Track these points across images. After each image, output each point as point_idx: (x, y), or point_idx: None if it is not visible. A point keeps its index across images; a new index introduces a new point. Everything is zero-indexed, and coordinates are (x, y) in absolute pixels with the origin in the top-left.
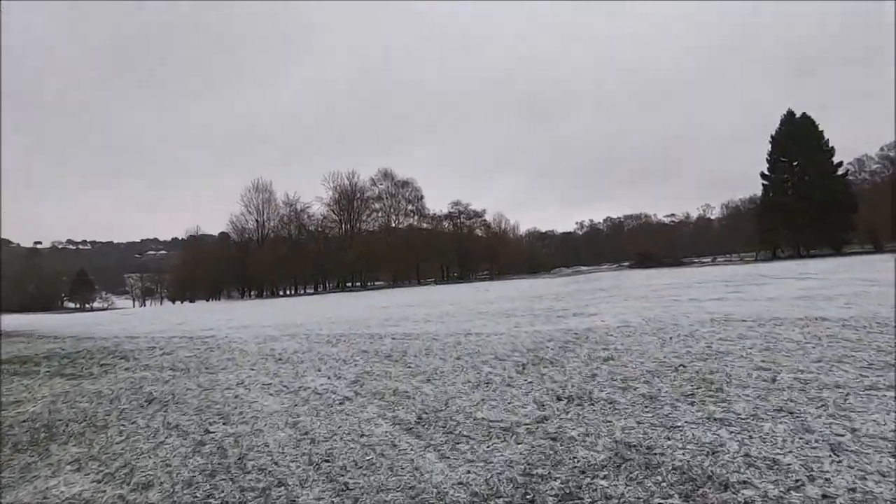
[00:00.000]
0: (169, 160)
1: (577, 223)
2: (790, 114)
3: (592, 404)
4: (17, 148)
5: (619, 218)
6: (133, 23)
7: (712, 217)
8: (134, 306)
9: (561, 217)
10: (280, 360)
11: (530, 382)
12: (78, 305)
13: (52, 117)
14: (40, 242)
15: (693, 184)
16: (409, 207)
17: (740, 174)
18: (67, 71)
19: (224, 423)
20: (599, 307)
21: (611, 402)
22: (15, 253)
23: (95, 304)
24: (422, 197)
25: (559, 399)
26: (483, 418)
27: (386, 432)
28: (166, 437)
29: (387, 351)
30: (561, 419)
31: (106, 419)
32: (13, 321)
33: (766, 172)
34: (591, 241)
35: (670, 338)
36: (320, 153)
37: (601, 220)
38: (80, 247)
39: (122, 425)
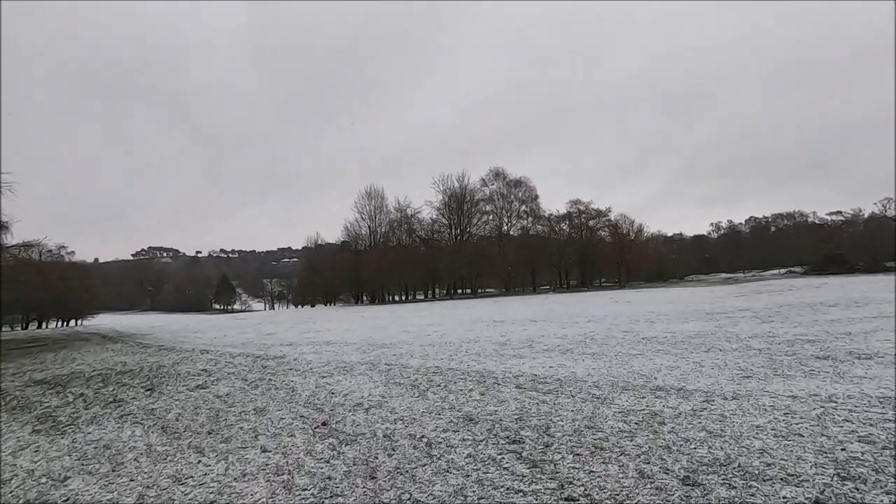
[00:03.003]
0: (308, 177)
1: (711, 224)
2: None
3: None
4: (193, 173)
5: (765, 217)
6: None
7: (893, 214)
8: (265, 309)
9: (690, 219)
10: (324, 425)
11: None
12: (221, 307)
13: (227, 148)
14: (200, 252)
15: (874, 176)
16: (523, 208)
17: None
18: (244, 105)
19: None
20: None
21: None
22: (181, 261)
23: (236, 307)
24: (536, 197)
25: None
26: None
27: None
28: None
29: (510, 423)
30: None
31: None
32: (143, 320)
33: None
34: (729, 244)
35: None
36: (453, 160)
37: (742, 221)
38: (230, 255)
39: None
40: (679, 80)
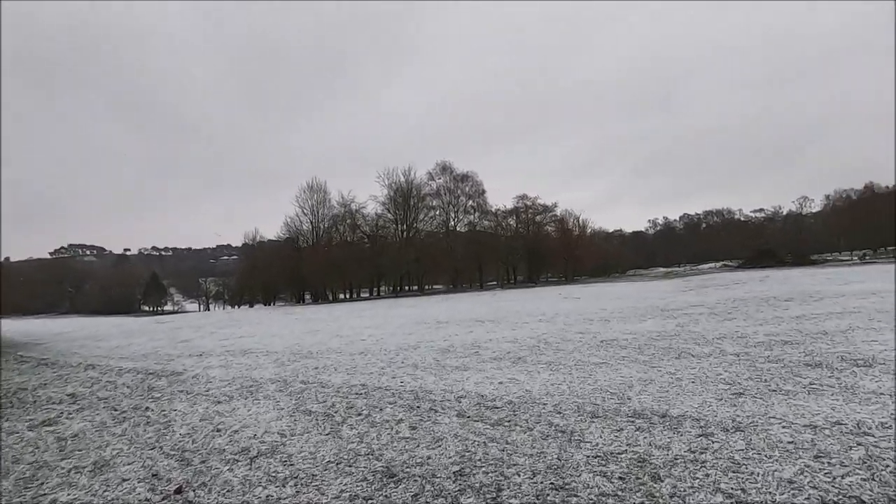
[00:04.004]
0: (264, 172)
1: (649, 221)
2: None
3: None
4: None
5: (697, 215)
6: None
7: (810, 211)
8: (199, 310)
9: (629, 216)
10: (178, 493)
11: None
12: (150, 308)
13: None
14: (129, 249)
15: (811, 176)
16: (470, 203)
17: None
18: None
19: None
20: None
21: None
22: (107, 260)
23: (167, 308)
24: (483, 192)
25: None
26: None
27: None
28: None
29: (446, 481)
30: None
31: None
32: (53, 325)
33: None
34: (665, 240)
35: None
36: (429, 159)
37: (677, 218)
38: (163, 253)
39: None
40: (641, 85)
